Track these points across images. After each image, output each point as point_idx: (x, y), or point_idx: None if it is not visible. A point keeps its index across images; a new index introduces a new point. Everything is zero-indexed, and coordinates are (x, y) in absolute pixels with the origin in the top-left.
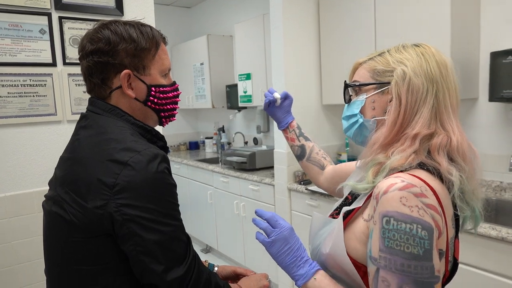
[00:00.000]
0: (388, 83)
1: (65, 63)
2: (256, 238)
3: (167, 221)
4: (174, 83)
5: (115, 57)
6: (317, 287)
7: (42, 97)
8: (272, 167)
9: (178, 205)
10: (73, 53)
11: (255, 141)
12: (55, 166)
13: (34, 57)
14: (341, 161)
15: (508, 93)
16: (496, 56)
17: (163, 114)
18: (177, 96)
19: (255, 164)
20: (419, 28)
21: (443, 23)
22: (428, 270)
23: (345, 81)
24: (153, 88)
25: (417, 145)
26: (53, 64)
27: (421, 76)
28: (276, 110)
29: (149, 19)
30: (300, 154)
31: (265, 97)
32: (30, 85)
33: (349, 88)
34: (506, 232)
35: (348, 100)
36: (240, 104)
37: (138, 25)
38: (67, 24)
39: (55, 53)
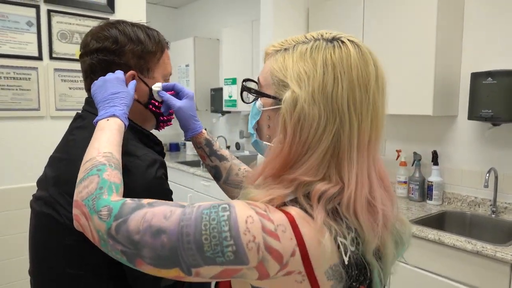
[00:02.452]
0: (281, 100)
1: (51, 58)
2: None
3: None
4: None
5: (121, 57)
6: (103, 125)
7: (25, 91)
8: None
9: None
10: (60, 48)
11: (237, 146)
12: (37, 163)
13: (19, 49)
14: None
15: (486, 112)
16: (476, 77)
17: (161, 118)
18: None
19: None
20: (404, 46)
21: (429, 42)
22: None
23: (245, 79)
24: None
25: (293, 189)
26: (39, 57)
27: (320, 104)
28: (177, 114)
29: (141, 18)
30: (215, 175)
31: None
32: (14, 78)
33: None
34: (482, 246)
35: (247, 98)
36: (225, 108)
37: (145, 28)
38: (56, 18)
39: (42, 47)
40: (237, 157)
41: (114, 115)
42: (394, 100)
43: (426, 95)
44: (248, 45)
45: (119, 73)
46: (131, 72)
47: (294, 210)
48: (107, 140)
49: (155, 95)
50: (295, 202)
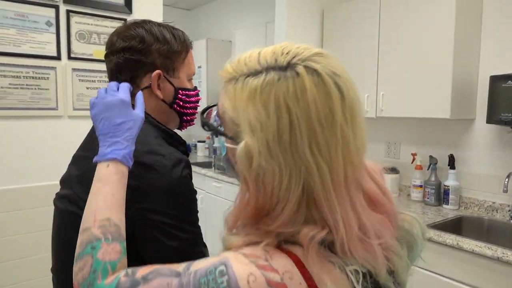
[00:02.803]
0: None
1: (70, 58)
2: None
3: (188, 228)
4: (196, 88)
5: (147, 56)
6: (103, 175)
7: (44, 90)
8: None
9: (198, 211)
10: (78, 48)
11: None
12: (54, 162)
13: (39, 49)
14: None
15: (506, 116)
16: (496, 80)
17: (185, 118)
18: (198, 101)
19: None
20: (421, 48)
21: (447, 44)
22: None
23: (203, 110)
24: (180, 91)
25: (273, 239)
26: (58, 57)
27: (279, 156)
28: None
29: (157, 19)
30: None
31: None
32: (33, 77)
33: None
34: (502, 252)
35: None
36: None
37: (170, 28)
38: (74, 18)
39: (60, 47)
40: None
41: (115, 159)
42: (410, 103)
43: (444, 98)
44: (261, 46)
45: (123, 92)
46: (157, 71)
47: (299, 249)
48: (104, 200)
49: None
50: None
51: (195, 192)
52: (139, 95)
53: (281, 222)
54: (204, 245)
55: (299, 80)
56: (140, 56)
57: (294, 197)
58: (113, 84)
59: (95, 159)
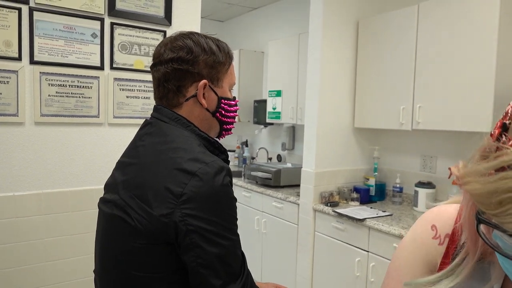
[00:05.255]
0: None
1: (112, 68)
2: None
3: (228, 235)
4: (235, 98)
5: (194, 66)
6: None
7: (87, 98)
8: (296, 186)
9: (237, 219)
10: (120, 58)
11: (279, 158)
12: (96, 167)
13: (84, 59)
14: (368, 186)
15: None
16: None
17: (225, 127)
18: (237, 111)
19: (279, 181)
20: (461, 60)
21: (489, 55)
22: None
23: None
24: (223, 100)
25: None
26: (101, 67)
27: None
28: None
29: (196, 30)
30: None
31: None
32: (77, 86)
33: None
34: None
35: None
36: (268, 120)
37: (216, 40)
38: (117, 30)
39: (104, 57)
40: (279, 170)
41: None
42: (448, 115)
43: (485, 111)
44: (294, 57)
45: None
46: (204, 81)
47: None
48: None
49: None
50: None
51: (235, 200)
52: None
53: None
54: (242, 253)
55: None
56: (188, 66)
57: None
58: None
59: None
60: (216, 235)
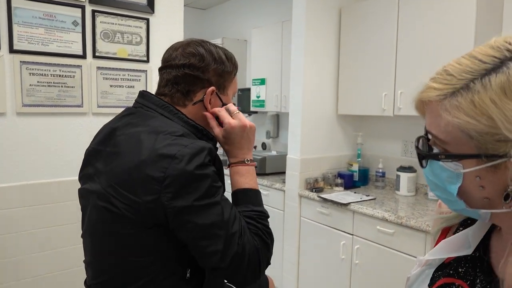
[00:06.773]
0: (505, 155)
1: (94, 56)
2: None
3: (215, 204)
4: (235, 104)
5: (205, 73)
6: None
7: (70, 88)
8: (281, 173)
9: (221, 186)
10: (103, 47)
11: (264, 146)
12: (79, 158)
13: (65, 48)
14: (352, 171)
15: None
16: None
17: None
18: None
19: (265, 169)
20: (441, 46)
21: (467, 42)
22: None
23: (425, 136)
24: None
25: None
26: (83, 56)
27: None
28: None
29: (178, 19)
30: None
31: None
32: (60, 76)
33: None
34: None
35: (425, 159)
36: (252, 109)
37: (224, 50)
38: (99, 18)
39: (86, 46)
40: (265, 157)
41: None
42: None
43: None
44: (277, 45)
45: None
46: (212, 88)
47: None
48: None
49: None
50: None
51: (218, 170)
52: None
53: None
54: (235, 211)
55: None
56: (198, 72)
57: None
58: None
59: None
60: (203, 208)
